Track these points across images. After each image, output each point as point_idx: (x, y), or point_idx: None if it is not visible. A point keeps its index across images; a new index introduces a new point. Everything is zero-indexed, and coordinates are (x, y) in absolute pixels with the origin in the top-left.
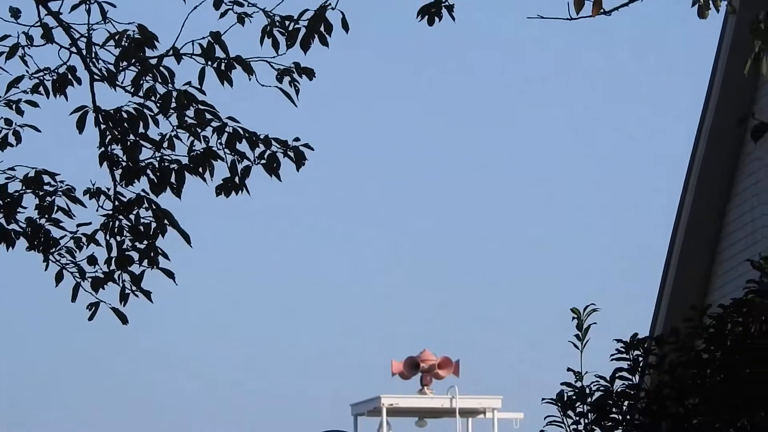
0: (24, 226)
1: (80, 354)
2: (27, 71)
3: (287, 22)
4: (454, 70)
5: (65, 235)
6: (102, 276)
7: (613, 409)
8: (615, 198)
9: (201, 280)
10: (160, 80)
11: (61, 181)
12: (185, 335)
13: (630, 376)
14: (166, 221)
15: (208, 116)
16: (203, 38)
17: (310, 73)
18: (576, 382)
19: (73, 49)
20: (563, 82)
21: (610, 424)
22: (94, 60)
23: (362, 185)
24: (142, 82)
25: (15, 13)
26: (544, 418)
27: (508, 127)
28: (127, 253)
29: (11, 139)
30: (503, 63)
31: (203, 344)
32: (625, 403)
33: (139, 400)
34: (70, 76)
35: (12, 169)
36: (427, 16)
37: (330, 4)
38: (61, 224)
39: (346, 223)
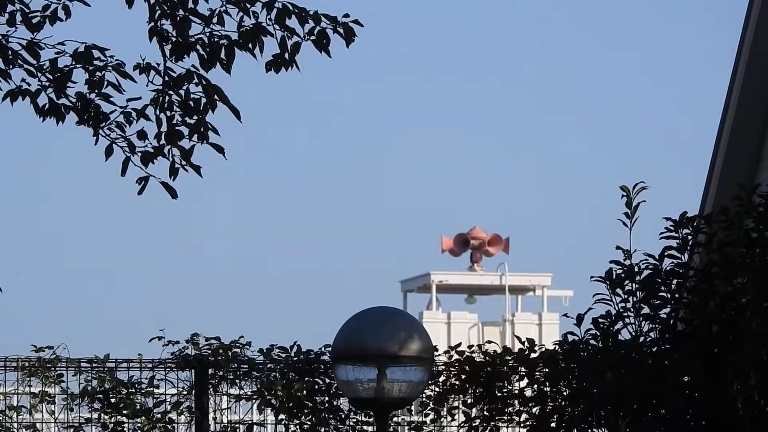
0: (74, 100)
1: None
2: None
3: None
4: None
5: (115, 110)
6: (152, 150)
7: (662, 288)
8: (669, 74)
9: (250, 157)
10: None
11: (111, 56)
12: (233, 211)
13: (679, 255)
14: (216, 96)
15: None
16: None
17: None
18: (625, 260)
19: None
20: None
21: (658, 302)
22: None
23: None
24: None
25: None
26: (593, 296)
27: None
28: (176, 127)
29: (60, 13)
30: None
31: (251, 219)
32: (674, 281)
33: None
34: None
35: (62, 44)
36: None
37: None
38: (111, 99)
39: (401, 103)
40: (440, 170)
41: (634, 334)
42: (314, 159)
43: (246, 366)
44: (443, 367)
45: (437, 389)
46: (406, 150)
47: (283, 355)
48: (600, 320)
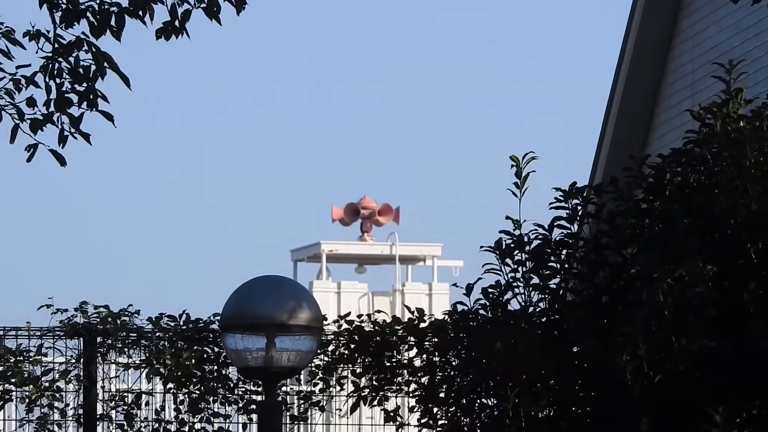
0: None
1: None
2: None
3: None
4: None
5: (4, 77)
6: (41, 118)
7: (552, 258)
8: (559, 44)
9: (142, 124)
10: None
11: (1, 23)
12: (129, 176)
13: (568, 225)
14: (105, 64)
15: None
16: None
17: None
18: (514, 230)
19: None
20: None
21: (548, 272)
22: None
23: (299, 32)
24: None
25: None
26: (483, 266)
27: None
28: (66, 95)
29: None
30: None
31: (146, 184)
32: (564, 251)
33: (74, 235)
34: None
35: None
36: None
37: None
38: (0, 66)
39: (288, 71)
40: (329, 139)
41: (523, 304)
42: (201, 127)
43: (135, 334)
44: (332, 336)
45: (326, 359)
46: (295, 118)
47: (172, 324)
48: (489, 290)
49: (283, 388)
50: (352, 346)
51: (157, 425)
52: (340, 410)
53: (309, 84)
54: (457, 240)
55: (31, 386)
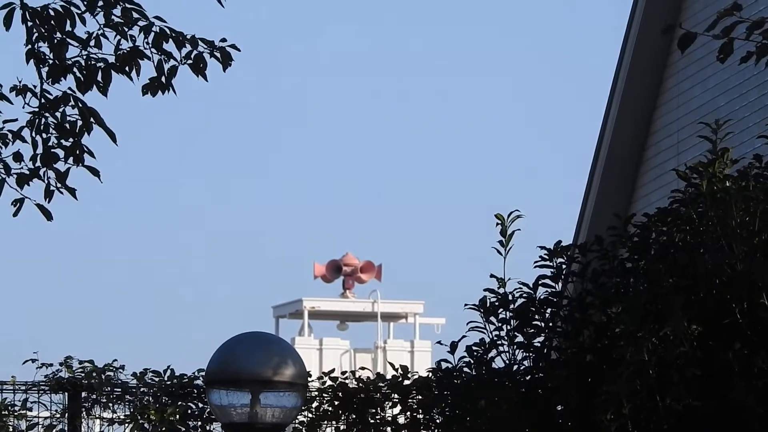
0: None
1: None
2: None
3: None
4: None
5: None
6: (27, 172)
7: (536, 316)
8: (545, 104)
9: (125, 178)
10: None
11: None
12: (114, 231)
13: (553, 284)
14: (92, 119)
15: (135, 15)
16: None
17: None
18: (499, 288)
19: None
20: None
21: (532, 330)
22: None
23: (287, 82)
24: None
25: None
26: (467, 324)
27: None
28: (52, 150)
29: None
30: None
31: (131, 241)
32: (548, 310)
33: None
34: None
35: None
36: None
37: None
38: None
39: (271, 124)
40: (311, 196)
41: (507, 362)
42: (186, 180)
43: (119, 389)
44: (316, 393)
45: (310, 415)
46: (279, 174)
47: (157, 379)
48: (474, 348)
49: None
50: (336, 402)
51: None
52: None
53: (293, 139)
54: (439, 297)
55: None
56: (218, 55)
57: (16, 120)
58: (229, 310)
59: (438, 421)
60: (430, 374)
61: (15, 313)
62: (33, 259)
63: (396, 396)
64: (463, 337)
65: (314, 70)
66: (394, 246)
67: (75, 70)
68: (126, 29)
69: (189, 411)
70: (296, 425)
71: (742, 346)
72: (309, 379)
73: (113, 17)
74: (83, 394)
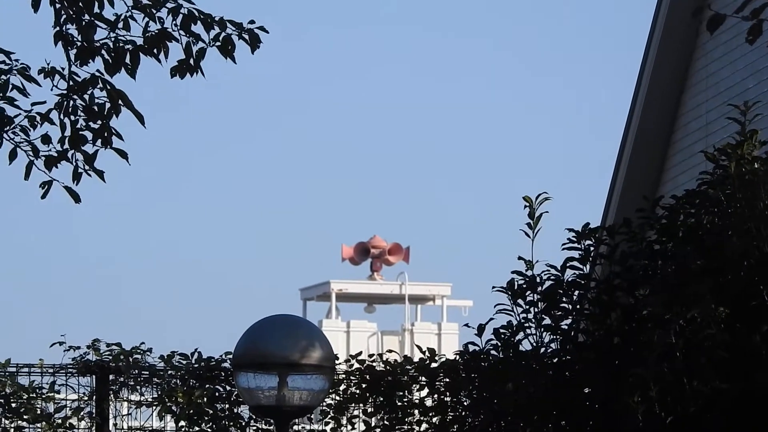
0: None
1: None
2: None
3: None
4: None
5: (19, 114)
6: (55, 155)
7: (564, 299)
8: (571, 87)
9: (154, 158)
10: None
11: (16, 60)
12: (134, 216)
13: (581, 266)
14: (120, 101)
15: None
16: None
17: None
18: (527, 270)
19: None
20: None
21: (560, 313)
22: None
23: (317, 68)
24: None
25: None
26: (494, 306)
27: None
28: (80, 132)
29: None
30: None
31: (159, 223)
32: (576, 292)
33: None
34: None
35: None
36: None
37: None
38: (15, 102)
39: (298, 104)
40: (340, 178)
41: (535, 344)
42: (215, 166)
43: (147, 372)
44: (344, 375)
45: (338, 398)
46: (307, 156)
47: (184, 362)
48: (501, 330)
49: (295, 427)
50: (364, 385)
51: None
52: None
53: (321, 120)
54: (467, 280)
55: (44, 423)
56: (246, 37)
57: (45, 102)
58: (257, 292)
59: (465, 403)
60: (458, 357)
61: (42, 295)
62: (59, 242)
63: (423, 379)
64: (491, 319)
65: (341, 49)
66: (421, 228)
67: (103, 52)
68: (154, 11)
69: (216, 394)
70: (323, 408)
71: None
72: (336, 361)
73: None
74: (111, 377)
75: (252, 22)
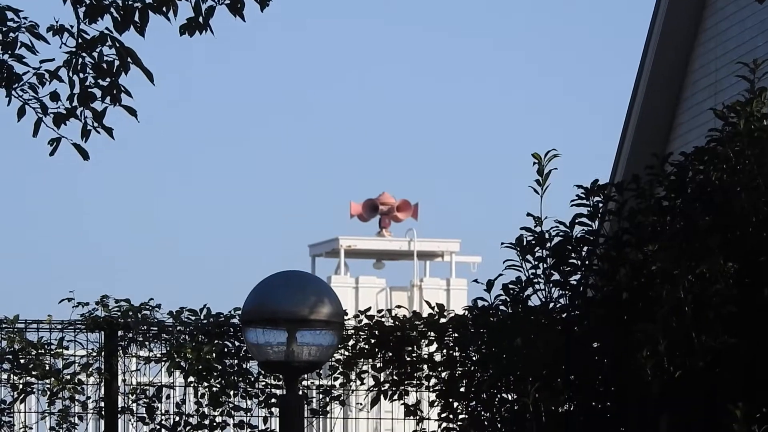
0: None
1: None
2: None
3: None
4: None
5: (28, 71)
6: (64, 112)
7: (572, 255)
8: (580, 45)
9: (164, 117)
10: None
11: (25, 18)
12: (150, 169)
13: (590, 222)
14: (129, 59)
15: None
16: None
17: None
18: (536, 227)
19: None
20: None
21: (568, 269)
22: None
23: (326, 26)
24: None
25: None
26: (503, 262)
27: None
28: (89, 89)
29: None
30: None
31: (166, 178)
32: (585, 248)
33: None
34: None
35: None
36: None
37: None
38: (24, 60)
39: (307, 63)
40: (348, 134)
41: (544, 300)
42: (222, 120)
43: (155, 328)
44: (353, 331)
45: (346, 353)
46: (315, 114)
47: (193, 318)
48: (510, 286)
49: (304, 383)
50: (373, 341)
51: (177, 418)
52: (360, 405)
53: (329, 77)
54: (476, 236)
55: (53, 379)
56: None
57: (53, 60)
58: (266, 249)
59: (474, 358)
60: (467, 312)
61: (50, 251)
62: (69, 197)
63: (432, 334)
64: (500, 275)
65: (347, 10)
66: (430, 185)
67: (112, 9)
68: None
69: (225, 349)
70: (333, 363)
71: None
72: (345, 317)
73: None
74: (119, 333)
75: None
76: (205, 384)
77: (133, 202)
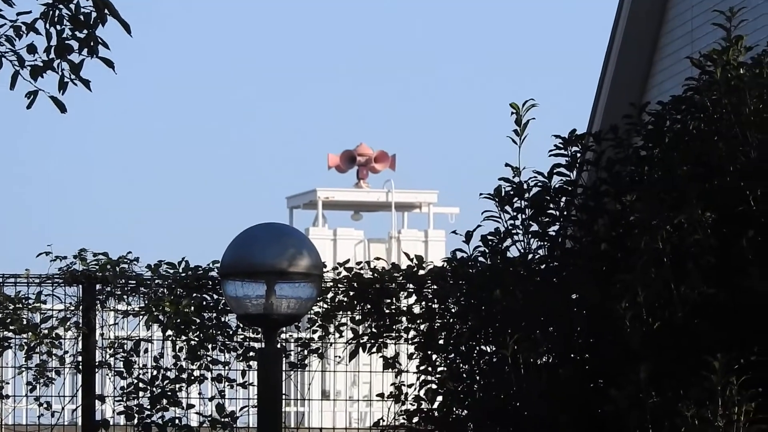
0: None
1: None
2: None
3: None
4: None
5: (5, 24)
6: (41, 64)
7: (551, 205)
8: None
9: (142, 70)
10: None
11: None
12: (118, 128)
13: (568, 173)
14: (106, 10)
15: None
16: None
17: None
18: (514, 177)
19: None
20: None
21: (547, 219)
22: None
23: None
24: None
25: None
26: (481, 213)
27: None
28: (66, 41)
29: None
30: None
31: (144, 131)
32: (563, 199)
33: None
34: None
35: None
36: None
37: None
38: (0, 13)
39: (281, 18)
40: (325, 86)
41: (522, 251)
42: (197, 71)
43: (134, 282)
44: (331, 283)
45: (325, 306)
46: (291, 66)
47: (171, 271)
48: (489, 237)
49: (282, 336)
50: (351, 293)
51: (155, 372)
52: (339, 357)
53: (305, 29)
54: (453, 187)
55: (30, 333)
56: None
57: (30, 12)
58: (243, 201)
59: (453, 310)
60: (445, 264)
61: (27, 205)
62: (46, 151)
63: (411, 286)
64: (478, 226)
65: None
66: (408, 136)
67: None
68: None
69: (204, 303)
70: (311, 316)
71: (756, 234)
72: (324, 269)
73: None
74: (97, 287)
75: None
76: (184, 338)
77: (111, 155)
